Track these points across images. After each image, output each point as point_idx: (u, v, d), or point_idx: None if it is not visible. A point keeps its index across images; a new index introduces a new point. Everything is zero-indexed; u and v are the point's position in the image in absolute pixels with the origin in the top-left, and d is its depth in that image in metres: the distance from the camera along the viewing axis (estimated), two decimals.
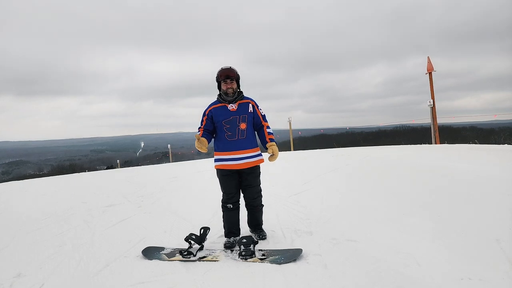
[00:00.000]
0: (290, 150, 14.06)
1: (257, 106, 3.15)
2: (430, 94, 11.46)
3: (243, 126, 3.01)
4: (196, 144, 2.99)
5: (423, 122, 12.68)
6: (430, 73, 11.50)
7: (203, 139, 3.02)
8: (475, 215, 3.34)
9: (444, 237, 2.88)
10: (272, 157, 3.11)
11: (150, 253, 2.94)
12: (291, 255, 2.61)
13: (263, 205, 3.23)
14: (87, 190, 6.67)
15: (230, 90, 3.02)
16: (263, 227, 3.29)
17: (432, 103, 11.31)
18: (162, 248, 3.05)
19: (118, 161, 31.35)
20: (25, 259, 2.98)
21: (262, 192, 3.21)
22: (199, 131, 3.10)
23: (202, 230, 2.98)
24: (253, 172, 3.09)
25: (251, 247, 2.74)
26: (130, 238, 3.41)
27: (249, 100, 3.12)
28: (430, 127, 11.44)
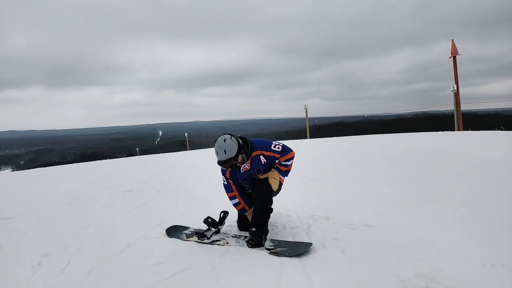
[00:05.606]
0: (306, 138, 13.92)
1: (270, 148, 2.90)
2: (454, 79, 10.98)
3: (260, 176, 2.94)
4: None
5: (446, 109, 12.19)
6: (454, 57, 10.99)
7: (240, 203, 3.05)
8: (499, 202, 3.22)
9: (466, 224, 2.80)
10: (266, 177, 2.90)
11: (174, 231, 3.09)
12: (299, 248, 2.53)
13: (268, 208, 2.89)
14: (109, 176, 6.88)
15: (239, 165, 2.90)
16: (269, 236, 2.84)
17: (455, 88, 10.85)
18: (186, 228, 3.17)
19: (137, 149, 32.24)
20: (52, 240, 3.13)
21: (273, 199, 2.96)
22: (228, 183, 3.03)
23: (222, 214, 3.02)
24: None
25: (262, 236, 2.70)
26: (149, 221, 3.51)
27: (259, 152, 2.90)
28: (453, 114, 11.00)
